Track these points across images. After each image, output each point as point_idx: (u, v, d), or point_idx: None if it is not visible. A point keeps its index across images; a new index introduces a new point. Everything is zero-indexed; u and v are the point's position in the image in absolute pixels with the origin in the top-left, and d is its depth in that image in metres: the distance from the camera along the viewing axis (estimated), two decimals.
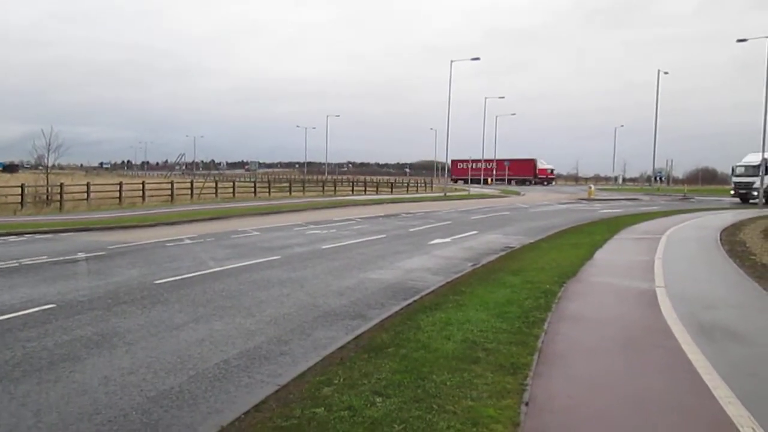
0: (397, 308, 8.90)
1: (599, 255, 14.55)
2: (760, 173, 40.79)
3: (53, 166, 38.09)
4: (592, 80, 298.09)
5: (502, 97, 79.50)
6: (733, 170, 46.48)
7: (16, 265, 12.72)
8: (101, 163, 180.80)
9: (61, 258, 13.80)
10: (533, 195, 57.32)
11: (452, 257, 15.02)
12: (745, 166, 44.13)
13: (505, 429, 4.60)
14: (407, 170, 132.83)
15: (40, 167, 40.29)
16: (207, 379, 6.08)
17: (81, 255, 14.28)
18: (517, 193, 60.10)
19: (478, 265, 13.35)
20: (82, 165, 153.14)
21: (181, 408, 5.35)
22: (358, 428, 4.56)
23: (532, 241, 18.31)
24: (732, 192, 46.33)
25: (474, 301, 9.03)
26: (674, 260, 13.80)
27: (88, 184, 34.37)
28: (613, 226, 22.73)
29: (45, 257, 13.83)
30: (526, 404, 5.10)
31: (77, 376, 6.10)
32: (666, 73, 58.13)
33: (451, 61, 51.48)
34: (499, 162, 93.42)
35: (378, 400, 5.10)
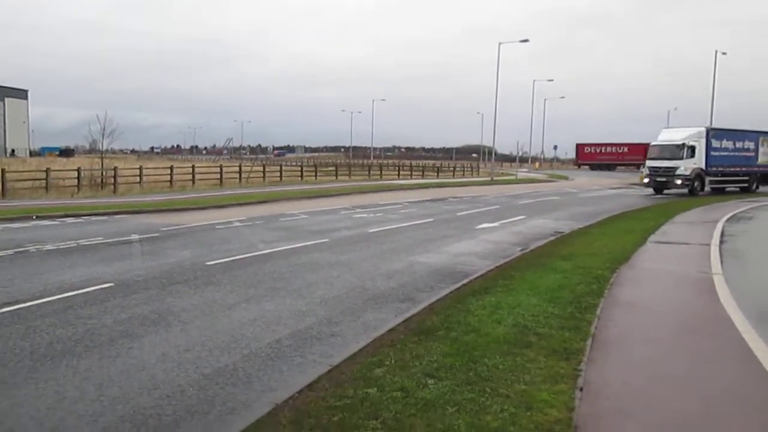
0: (446, 292, 8.88)
1: (653, 241, 14.20)
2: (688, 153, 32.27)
3: (107, 151, 39.10)
4: (645, 62, 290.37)
5: (551, 80, 77.65)
6: (646, 152, 35.80)
7: (75, 245, 13.14)
8: (152, 148, 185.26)
9: (117, 239, 14.19)
10: (582, 180, 56.26)
11: (500, 242, 14.88)
12: (661, 146, 33.61)
13: (559, 413, 4.54)
14: (474, 154, 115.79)
15: (95, 151, 41.38)
16: (260, 358, 6.18)
17: (135, 236, 14.66)
18: (566, 178, 59.09)
19: (527, 250, 13.21)
20: (134, 149, 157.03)
21: (236, 385, 5.45)
22: (411, 409, 4.56)
23: (582, 226, 17.99)
24: (645, 180, 34.77)
25: (524, 285, 8.93)
26: (732, 246, 13.37)
27: (140, 168, 35.23)
28: (667, 211, 22.15)
29: (101, 238, 14.24)
30: (581, 389, 5.03)
31: (136, 352, 6.28)
32: (724, 53, 55.57)
33: (499, 44, 50.72)
34: (632, 146, 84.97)
35: (430, 382, 5.09)
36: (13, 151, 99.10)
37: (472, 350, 5.90)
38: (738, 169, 35.15)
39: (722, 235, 15.27)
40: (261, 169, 45.51)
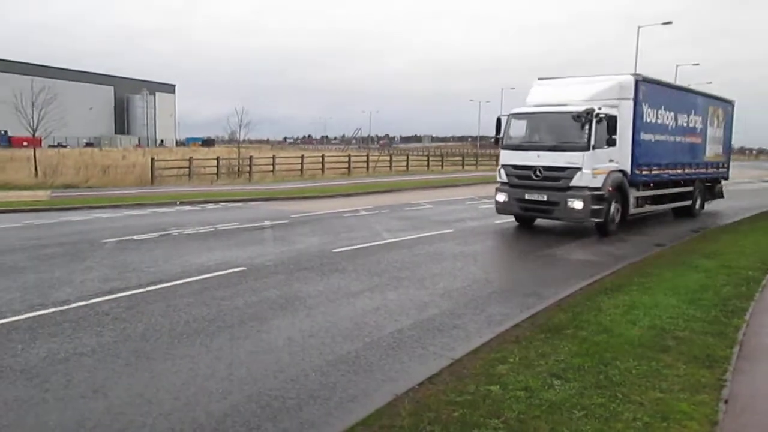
0: (575, 288, 8.48)
1: None
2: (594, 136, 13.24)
3: (243, 141, 41.22)
4: None
5: (697, 64, 71.79)
6: (499, 131, 15.39)
7: (212, 230, 13.91)
8: (285, 138, 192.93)
9: (250, 225, 14.87)
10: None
11: (636, 238, 14.04)
12: (537, 117, 14.60)
13: (700, 427, 4.16)
14: None
15: (233, 142, 43.79)
16: (381, 347, 6.17)
17: (267, 223, 15.29)
18: None
19: (665, 247, 12.36)
20: (268, 139, 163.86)
21: (357, 373, 5.47)
22: (535, 410, 4.36)
23: (729, 222, 16.62)
24: (499, 198, 14.97)
25: (662, 285, 8.33)
26: None
27: (273, 157, 36.83)
28: None
29: (236, 224, 14.99)
30: (725, 402, 4.58)
31: (264, 335, 6.49)
32: None
33: (639, 27, 47.67)
34: None
35: (556, 382, 4.85)
36: (162, 141, 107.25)
37: (602, 352, 5.57)
38: (680, 170, 17.10)
39: None
40: (388, 158, 46.06)
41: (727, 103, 20.36)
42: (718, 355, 5.54)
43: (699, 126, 17.91)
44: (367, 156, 45.15)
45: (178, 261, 10.25)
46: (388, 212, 18.09)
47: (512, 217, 15.44)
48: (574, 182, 13.37)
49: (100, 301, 7.64)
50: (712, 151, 19.05)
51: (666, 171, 16.19)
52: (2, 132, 79.11)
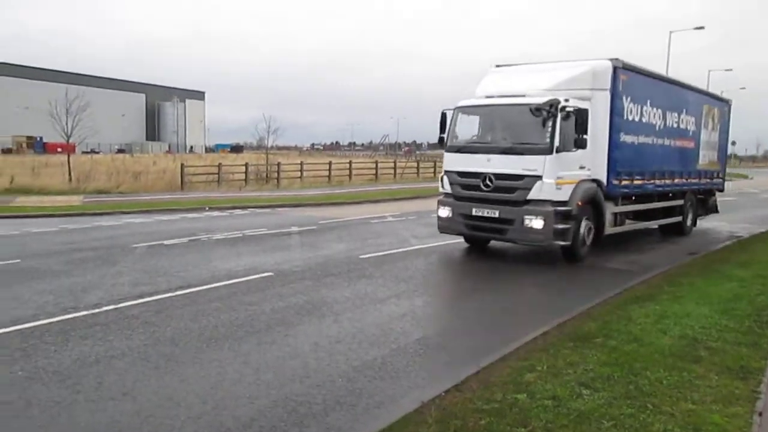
0: (605, 296, 8.37)
1: None
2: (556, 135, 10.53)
3: (271, 147, 41.61)
4: None
5: (729, 70, 70.38)
6: (443, 129, 12.56)
7: (240, 235, 14.04)
8: (313, 144, 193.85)
9: (278, 231, 14.97)
10: (763, 179, 51.07)
11: (667, 245, 13.83)
12: (489, 110, 11.99)
13: None
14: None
15: (261, 148, 44.25)
16: (408, 353, 6.16)
17: (295, 228, 15.38)
18: (745, 176, 53.94)
19: (697, 255, 12.14)
20: (296, 146, 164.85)
21: (384, 379, 5.46)
22: (563, 420, 4.31)
23: (763, 230, 16.26)
24: (442, 212, 12.17)
25: (693, 294, 8.19)
26: None
27: (301, 164, 37.11)
28: None
29: (264, 229, 15.10)
30: (760, 414, 4.48)
31: (290, 340, 6.53)
32: None
33: (670, 32, 46.97)
34: None
35: (585, 392, 4.78)
36: (191, 147, 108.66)
37: (632, 361, 5.49)
38: (668, 180, 14.36)
39: None
40: (415, 164, 46.08)
41: (723, 103, 18.01)
42: (752, 367, 5.42)
43: (692, 128, 15.23)
44: (395, 162, 45.23)
45: (206, 266, 10.36)
46: (416, 218, 18.08)
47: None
48: (532, 194, 10.69)
49: (130, 305, 7.75)
50: (707, 157, 16.39)
51: (652, 181, 13.42)
52: (37, 138, 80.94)
